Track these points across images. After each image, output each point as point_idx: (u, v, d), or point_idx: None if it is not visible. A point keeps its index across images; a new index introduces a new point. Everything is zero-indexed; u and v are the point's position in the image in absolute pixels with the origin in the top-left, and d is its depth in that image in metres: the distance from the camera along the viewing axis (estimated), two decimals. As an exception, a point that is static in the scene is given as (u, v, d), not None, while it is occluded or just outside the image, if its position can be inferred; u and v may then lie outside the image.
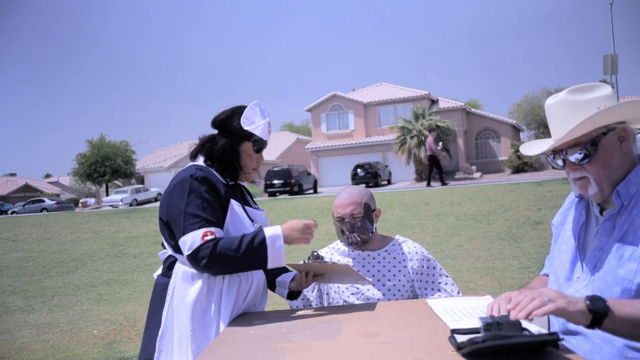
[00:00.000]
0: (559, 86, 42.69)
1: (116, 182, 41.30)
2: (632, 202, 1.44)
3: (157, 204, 31.96)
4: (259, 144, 2.00)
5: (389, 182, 30.36)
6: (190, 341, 1.81)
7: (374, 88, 36.33)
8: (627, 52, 66.71)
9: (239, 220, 1.89)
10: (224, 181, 1.95)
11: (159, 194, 36.40)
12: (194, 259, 1.77)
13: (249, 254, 1.76)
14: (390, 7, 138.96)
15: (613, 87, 20.36)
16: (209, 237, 1.77)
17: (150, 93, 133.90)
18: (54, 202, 37.15)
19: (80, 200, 41.31)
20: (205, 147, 1.98)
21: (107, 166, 38.02)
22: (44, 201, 37.37)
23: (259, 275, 2.01)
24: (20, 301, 7.98)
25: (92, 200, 42.59)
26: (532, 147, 1.62)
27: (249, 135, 1.97)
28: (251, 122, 1.96)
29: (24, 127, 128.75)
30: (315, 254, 1.92)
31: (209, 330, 1.83)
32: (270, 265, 1.80)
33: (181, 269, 1.89)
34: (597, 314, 1.22)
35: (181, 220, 1.80)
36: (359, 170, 28.24)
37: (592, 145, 1.46)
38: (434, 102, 33.11)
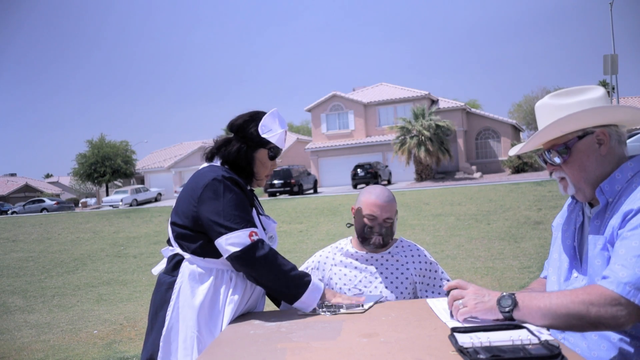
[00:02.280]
0: (558, 86, 42.72)
1: (116, 182, 41.30)
2: (616, 199, 1.45)
3: (158, 204, 31.99)
4: (274, 152, 2.00)
5: (389, 182, 30.36)
6: (196, 341, 1.80)
7: (374, 88, 36.34)
8: (627, 52, 66.48)
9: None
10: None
11: (159, 194, 36.38)
12: (245, 255, 1.76)
13: (291, 281, 1.79)
14: (391, 7, 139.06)
15: (613, 88, 20.40)
16: (255, 238, 1.78)
17: (150, 93, 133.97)
18: (54, 202, 37.14)
19: (81, 201, 41.33)
20: (220, 149, 1.99)
21: (107, 166, 38.03)
22: (44, 201, 37.37)
23: None
24: (20, 301, 7.98)
25: (92, 201, 42.61)
26: (516, 147, 1.67)
27: (265, 143, 1.97)
28: (269, 130, 1.96)
29: (24, 127, 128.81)
30: (331, 307, 1.82)
31: (215, 330, 1.83)
32: (297, 304, 1.81)
33: (189, 269, 1.87)
34: (505, 312, 1.37)
35: (220, 219, 1.79)
36: (359, 170, 28.24)
37: (565, 148, 1.51)
38: (434, 102, 33.11)
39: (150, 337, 1.90)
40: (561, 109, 1.50)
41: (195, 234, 1.87)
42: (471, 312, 1.41)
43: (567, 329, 1.39)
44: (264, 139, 1.96)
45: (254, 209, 1.93)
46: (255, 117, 1.98)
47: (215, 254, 1.85)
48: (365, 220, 2.17)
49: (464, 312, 1.43)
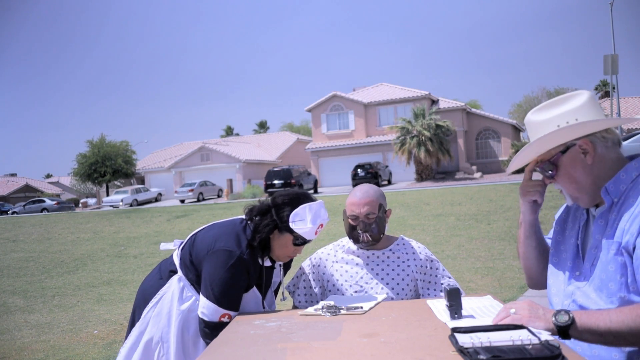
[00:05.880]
0: (558, 86, 42.84)
1: (116, 182, 41.28)
2: (621, 199, 1.46)
3: (158, 204, 31.97)
4: (299, 240, 2.02)
5: (389, 182, 30.36)
6: (162, 346, 2.04)
7: (374, 88, 36.32)
8: (627, 52, 66.57)
9: (247, 303, 2.04)
10: (260, 262, 2.04)
11: (160, 194, 36.36)
12: (206, 326, 1.94)
13: None
14: (391, 7, 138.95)
15: (614, 88, 20.38)
16: (225, 320, 1.92)
17: (150, 93, 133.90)
18: (54, 202, 37.13)
19: (81, 201, 41.30)
20: (260, 217, 2.02)
21: (107, 166, 38.01)
22: (44, 201, 37.36)
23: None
24: (20, 301, 7.98)
25: (92, 201, 42.56)
26: (512, 163, 1.67)
27: (292, 229, 1.98)
28: (299, 220, 1.96)
29: (24, 127, 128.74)
30: (331, 308, 1.82)
31: (190, 342, 2.05)
32: None
33: (178, 284, 2.07)
34: (560, 327, 1.34)
35: (209, 285, 1.93)
36: (359, 170, 28.24)
37: (551, 164, 1.53)
38: (434, 102, 33.10)
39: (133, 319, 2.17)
40: (541, 127, 1.52)
41: (196, 272, 2.04)
42: (522, 321, 1.38)
43: (628, 346, 1.36)
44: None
45: (257, 288, 2.06)
46: (295, 201, 2.00)
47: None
48: (350, 221, 2.18)
49: (515, 319, 1.40)
